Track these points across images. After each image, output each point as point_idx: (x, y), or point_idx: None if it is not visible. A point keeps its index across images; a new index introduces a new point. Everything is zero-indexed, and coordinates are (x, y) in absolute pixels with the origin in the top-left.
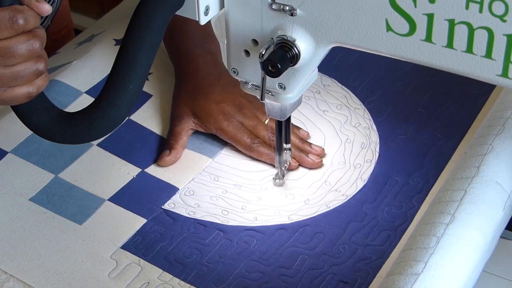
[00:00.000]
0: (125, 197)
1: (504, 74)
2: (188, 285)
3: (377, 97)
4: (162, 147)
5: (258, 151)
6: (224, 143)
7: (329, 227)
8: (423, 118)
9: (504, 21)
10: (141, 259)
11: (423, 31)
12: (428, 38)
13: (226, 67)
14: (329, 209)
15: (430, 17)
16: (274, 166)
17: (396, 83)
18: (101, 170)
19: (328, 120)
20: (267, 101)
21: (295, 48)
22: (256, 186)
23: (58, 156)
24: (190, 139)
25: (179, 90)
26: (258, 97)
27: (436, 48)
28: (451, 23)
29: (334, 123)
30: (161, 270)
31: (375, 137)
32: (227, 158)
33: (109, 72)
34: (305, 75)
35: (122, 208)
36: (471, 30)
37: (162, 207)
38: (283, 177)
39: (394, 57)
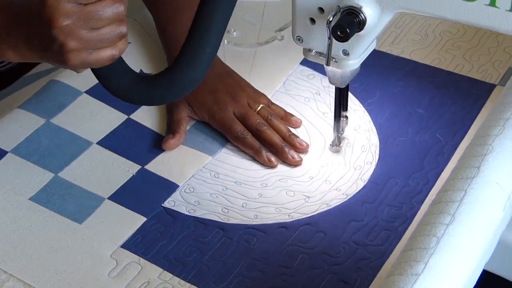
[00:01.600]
0: (125, 195)
1: None
2: (188, 284)
3: (377, 98)
4: (161, 143)
5: (244, 142)
6: (224, 142)
7: (330, 226)
8: (423, 119)
9: None
10: (141, 258)
11: None
12: (492, 3)
13: (292, 35)
14: (329, 207)
15: None
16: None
17: (396, 84)
18: (101, 168)
19: (328, 122)
20: (328, 68)
21: (361, 14)
22: (257, 183)
23: (57, 155)
24: (191, 137)
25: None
26: (323, 64)
27: (500, 12)
28: None
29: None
30: (161, 269)
31: (375, 140)
32: (227, 156)
33: None
34: (369, 41)
35: (122, 207)
36: None
37: (162, 205)
38: (339, 144)
39: (459, 22)
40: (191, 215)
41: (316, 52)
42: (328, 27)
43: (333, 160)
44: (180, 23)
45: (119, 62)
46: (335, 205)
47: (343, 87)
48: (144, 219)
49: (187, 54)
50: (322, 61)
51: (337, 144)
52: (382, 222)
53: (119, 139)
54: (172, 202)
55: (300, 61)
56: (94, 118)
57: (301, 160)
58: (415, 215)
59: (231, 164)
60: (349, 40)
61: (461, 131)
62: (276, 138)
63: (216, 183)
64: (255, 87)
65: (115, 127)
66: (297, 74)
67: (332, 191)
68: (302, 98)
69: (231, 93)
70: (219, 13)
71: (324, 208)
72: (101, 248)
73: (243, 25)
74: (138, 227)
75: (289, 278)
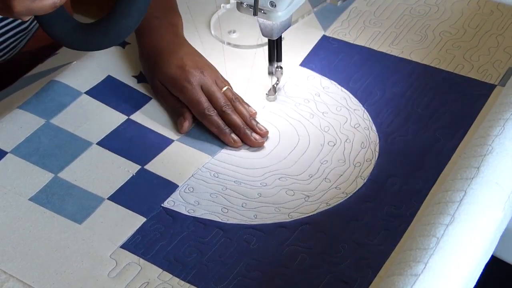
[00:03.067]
0: (124, 196)
1: None
2: (188, 284)
3: (376, 98)
4: (161, 144)
5: (209, 120)
6: (223, 143)
7: (329, 226)
8: (423, 119)
9: None
10: (140, 259)
11: None
12: None
13: None
14: (329, 206)
15: None
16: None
17: (395, 84)
18: (101, 168)
19: (327, 121)
20: (260, 20)
21: None
22: (256, 182)
23: (57, 155)
24: (191, 137)
25: (145, 63)
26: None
27: None
28: None
29: (334, 124)
30: (160, 270)
31: (374, 138)
32: (227, 156)
33: (108, 73)
34: None
35: (121, 207)
36: None
37: (162, 205)
38: (275, 93)
39: None
40: (190, 215)
41: (247, 5)
42: None
43: (332, 157)
44: (150, 6)
45: (61, 10)
46: (335, 204)
47: (274, 39)
48: (143, 219)
49: (122, 4)
50: (252, 13)
51: (272, 93)
52: (382, 221)
53: (119, 139)
54: (172, 202)
55: (299, 63)
56: (94, 118)
57: (264, 142)
58: (414, 215)
59: (231, 163)
60: None
61: (461, 131)
62: (239, 121)
63: (216, 182)
64: (254, 88)
65: (115, 127)
66: (297, 75)
67: (332, 189)
68: (302, 99)
69: (200, 68)
70: None
71: (323, 207)
72: (101, 248)
73: (243, 26)
74: (137, 227)
75: (289, 278)
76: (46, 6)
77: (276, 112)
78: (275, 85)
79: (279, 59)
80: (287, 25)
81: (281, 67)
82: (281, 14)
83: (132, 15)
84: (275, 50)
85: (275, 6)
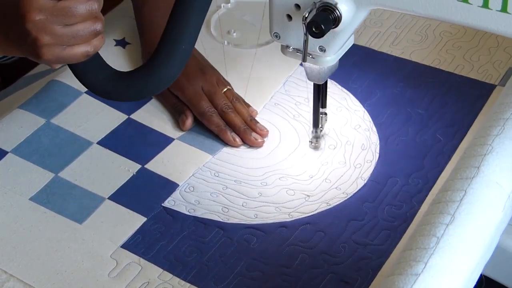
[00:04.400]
0: (125, 195)
1: None
2: (188, 284)
3: (377, 98)
4: (162, 143)
5: (209, 119)
6: (223, 142)
7: (330, 225)
8: (423, 119)
9: None
10: (141, 258)
11: None
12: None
13: (269, 32)
14: (329, 206)
15: None
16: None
17: (395, 84)
18: (101, 168)
19: (328, 122)
20: (306, 64)
21: (337, 11)
22: (257, 181)
23: (58, 155)
24: (191, 136)
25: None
26: (300, 60)
27: (473, 8)
28: None
29: (334, 125)
30: (161, 270)
31: (375, 139)
32: (227, 155)
33: None
34: (345, 37)
35: (122, 207)
36: None
37: (162, 204)
38: (319, 140)
39: (433, 18)
40: (191, 214)
41: (293, 48)
42: (304, 24)
43: (333, 159)
44: (156, 2)
45: (96, 58)
46: (335, 204)
47: (321, 83)
48: (144, 219)
49: (163, 50)
50: (299, 57)
51: (316, 141)
52: (382, 221)
53: (119, 138)
54: (172, 202)
55: (300, 62)
56: (94, 118)
57: (263, 142)
58: (415, 215)
59: (231, 163)
60: (325, 37)
61: (461, 131)
62: (239, 121)
63: (216, 182)
64: (255, 88)
65: (115, 127)
66: (297, 75)
67: (332, 190)
68: (302, 98)
69: (201, 69)
70: (195, 9)
71: (324, 207)
72: (101, 248)
73: (243, 26)
74: (138, 227)
75: (289, 277)
76: (77, 54)
77: (276, 112)
78: (319, 132)
79: (324, 105)
80: (334, 67)
81: (325, 113)
82: (330, 59)
83: (173, 65)
84: (321, 96)
85: (325, 50)
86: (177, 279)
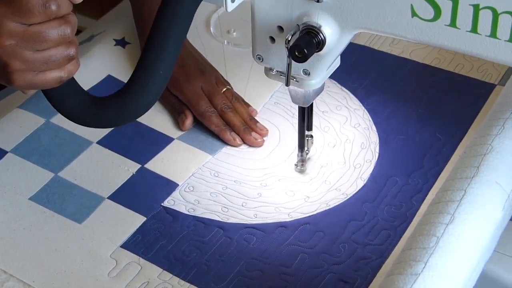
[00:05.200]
0: (124, 195)
1: None
2: (188, 284)
3: (376, 98)
4: (162, 142)
5: (209, 119)
6: (223, 143)
7: (329, 225)
8: (423, 118)
9: None
10: (140, 258)
11: (448, 16)
12: (453, 23)
13: (252, 54)
14: (329, 207)
15: (455, 2)
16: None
17: (395, 84)
18: (101, 167)
19: (327, 120)
20: (290, 87)
21: (321, 34)
22: (256, 182)
23: (57, 155)
24: (191, 136)
25: None
26: (283, 83)
27: (461, 33)
28: (476, 8)
29: (334, 123)
30: (160, 269)
31: (374, 138)
32: (227, 156)
33: (109, 72)
34: (329, 61)
35: (121, 206)
36: (496, 15)
37: (162, 204)
38: (304, 165)
39: (419, 43)
40: (190, 214)
41: (277, 71)
42: (287, 47)
43: (332, 158)
44: (156, 3)
45: (70, 83)
46: (335, 204)
47: (306, 106)
48: (143, 218)
49: (140, 76)
50: (283, 80)
51: (302, 164)
52: (382, 221)
53: (119, 138)
54: (172, 201)
55: None
56: None
57: (263, 141)
58: (414, 215)
59: (231, 163)
60: (309, 60)
61: (461, 131)
62: (238, 121)
63: (216, 182)
64: (254, 87)
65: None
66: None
67: (332, 191)
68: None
69: (201, 69)
70: (172, 33)
71: (323, 207)
72: (101, 248)
73: (243, 25)
74: (137, 226)
75: (289, 277)
76: (50, 80)
77: (276, 111)
78: (305, 155)
79: (309, 127)
80: (320, 90)
81: (311, 136)
82: (315, 82)
83: (150, 92)
84: (306, 119)
85: (309, 74)
86: (177, 279)
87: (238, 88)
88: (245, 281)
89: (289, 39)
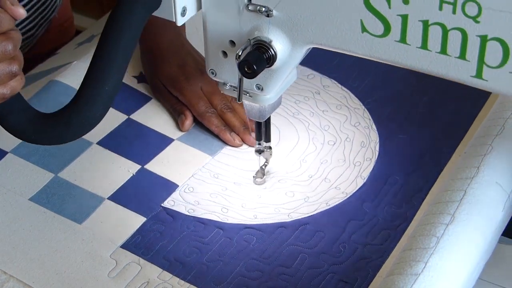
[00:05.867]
0: (124, 196)
1: (478, 75)
2: (188, 284)
3: (377, 97)
4: (161, 143)
5: (209, 120)
6: (223, 143)
7: (329, 225)
8: (423, 118)
9: (477, 22)
10: (140, 258)
11: (398, 32)
12: (403, 39)
13: (205, 69)
14: (329, 207)
15: (404, 18)
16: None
17: (396, 83)
18: (101, 168)
19: (327, 119)
20: (246, 102)
21: (271, 49)
22: (256, 184)
23: (57, 155)
24: (191, 137)
25: (145, 62)
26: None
27: (411, 49)
28: (425, 24)
29: (334, 122)
30: (160, 269)
31: (374, 137)
32: (227, 157)
33: None
34: (283, 76)
35: (121, 207)
36: (445, 31)
37: (162, 205)
38: (263, 176)
39: (369, 58)
40: (190, 215)
41: (231, 86)
42: (237, 62)
43: (332, 156)
44: None
45: (16, 99)
46: (335, 204)
47: (262, 121)
48: (143, 219)
49: (86, 92)
50: (236, 95)
51: (260, 176)
52: (382, 221)
53: (119, 139)
54: (172, 202)
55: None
56: None
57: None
58: (415, 214)
59: (230, 164)
60: (262, 75)
61: (461, 131)
62: (238, 122)
63: (215, 183)
64: None
65: (115, 127)
66: (297, 73)
67: (332, 189)
68: (302, 97)
69: (201, 69)
70: (119, 49)
71: (323, 207)
72: (101, 248)
73: None
74: (137, 227)
75: (289, 277)
76: None
77: (276, 111)
78: (263, 167)
79: (268, 139)
80: (277, 104)
81: (270, 147)
82: (269, 97)
83: (96, 108)
84: (264, 131)
85: (262, 89)
86: (177, 279)
87: None
88: (245, 281)
89: (240, 54)
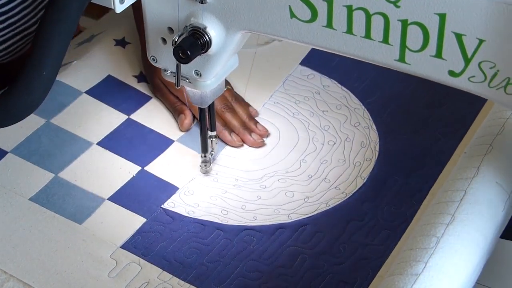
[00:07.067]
0: (125, 196)
1: (401, 59)
2: (188, 284)
3: (377, 97)
4: (162, 144)
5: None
6: (224, 144)
7: (329, 226)
8: (423, 118)
9: (398, 6)
10: (140, 259)
11: (324, 17)
12: (329, 25)
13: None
14: (328, 207)
15: (330, 3)
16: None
17: (396, 83)
18: (101, 169)
19: (327, 119)
20: (187, 88)
21: (206, 35)
22: (256, 185)
23: (58, 155)
24: (190, 138)
25: (146, 61)
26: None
27: (337, 34)
28: (349, 9)
29: (334, 122)
30: (160, 270)
31: (374, 137)
32: (227, 159)
33: (109, 72)
34: (220, 61)
35: (122, 208)
36: (368, 16)
37: (162, 206)
38: (210, 165)
39: (298, 43)
40: (190, 216)
41: (171, 72)
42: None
43: (332, 156)
44: None
45: None
46: (334, 204)
47: (204, 107)
48: (144, 220)
49: (24, 78)
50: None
51: (205, 165)
52: (382, 221)
53: (119, 139)
54: (172, 204)
55: (299, 61)
56: (94, 118)
57: (263, 142)
58: (414, 214)
59: (230, 166)
60: (199, 61)
61: (461, 131)
62: (237, 122)
63: (215, 186)
64: (254, 87)
65: (115, 127)
66: (297, 74)
67: (332, 190)
68: (302, 97)
69: None
70: (58, 34)
71: (323, 208)
72: (101, 249)
73: None
74: (137, 228)
75: (289, 278)
76: None
77: (276, 111)
78: (209, 156)
79: (212, 128)
80: (219, 91)
81: (215, 137)
82: (209, 83)
83: (34, 92)
84: (208, 119)
85: (201, 75)
86: (177, 280)
87: (238, 88)
88: (245, 282)
89: (176, 40)
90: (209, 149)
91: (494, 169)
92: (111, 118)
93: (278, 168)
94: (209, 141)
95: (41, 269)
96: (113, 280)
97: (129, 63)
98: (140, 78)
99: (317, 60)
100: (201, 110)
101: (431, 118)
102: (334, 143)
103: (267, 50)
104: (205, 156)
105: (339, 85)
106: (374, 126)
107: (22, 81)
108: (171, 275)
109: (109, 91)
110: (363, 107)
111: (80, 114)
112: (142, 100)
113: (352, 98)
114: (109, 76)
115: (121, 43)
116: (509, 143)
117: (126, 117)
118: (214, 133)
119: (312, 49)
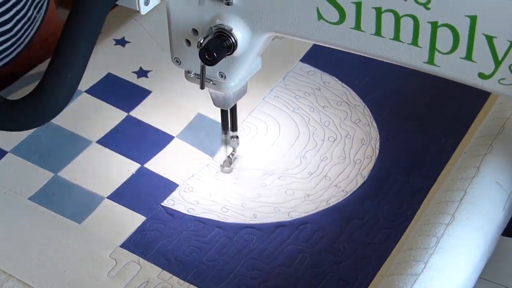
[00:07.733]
0: (124, 195)
1: (430, 61)
2: (188, 283)
3: (377, 95)
4: (161, 141)
5: None
6: None
7: (329, 224)
8: (424, 117)
9: (428, 8)
10: (140, 258)
11: (352, 19)
12: (357, 26)
13: (170, 57)
14: (329, 205)
15: (358, 5)
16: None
17: (397, 81)
18: (101, 167)
19: (327, 115)
20: (211, 90)
21: (232, 37)
22: (256, 182)
23: (57, 155)
24: (191, 135)
25: None
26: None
27: (365, 36)
28: (378, 11)
29: (334, 118)
30: (160, 269)
31: (375, 134)
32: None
33: (108, 71)
34: (245, 63)
35: (121, 206)
36: (397, 18)
37: (161, 204)
38: (230, 165)
39: (325, 45)
40: (190, 214)
41: (195, 74)
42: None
43: (332, 153)
44: None
45: None
46: (335, 203)
47: (227, 109)
48: (143, 218)
49: (49, 80)
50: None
51: (227, 165)
52: (382, 220)
53: (119, 137)
54: (172, 201)
55: (300, 58)
56: (94, 116)
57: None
58: (415, 214)
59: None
60: (224, 63)
61: (461, 130)
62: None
63: (215, 183)
64: (254, 84)
65: (114, 125)
66: (297, 70)
67: (332, 188)
68: (302, 92)
69: None
70: (84, 37)
71: (323, 206)
72: (100, 248)
73: None
74: (137, 226)
75: (289, 277)
76: None
77: (276, 105)
78: (230, 156)
79: (234, 128)
80: (242, 93)
81: (237, 137)
82: (233, 85)
83: (59, 95)
84: (230, 120)
85: (225, 77)
86: (177, 279)
87: None
88: (245, 280)
89: (201, 42)
90: (230, 149)
91: (494, 169)
92: (110, 116)
93: (279, 166)
94: (231, 140)
95: (41, 268)
96: (112, 280)
97: (129, 61)
98: (140, 73)
99: (318, 57)
100: (223, 111)
101: (432, 117)
102: (335, 139)
103: (267, 49)
104: (229, 156)
105: (340, 82)
106: (374, 124)
107: (47, 84)
108: (171, 274)
109: (108, 89)
110: (364, 104)
111: (80, 113)
112: (141, 95)
113: (353, 94)
114: (108, 74)
115: (121, 42)
116: (509, 143)
117: (126, 114)
118: (236, 133)
119: (313, 46)
